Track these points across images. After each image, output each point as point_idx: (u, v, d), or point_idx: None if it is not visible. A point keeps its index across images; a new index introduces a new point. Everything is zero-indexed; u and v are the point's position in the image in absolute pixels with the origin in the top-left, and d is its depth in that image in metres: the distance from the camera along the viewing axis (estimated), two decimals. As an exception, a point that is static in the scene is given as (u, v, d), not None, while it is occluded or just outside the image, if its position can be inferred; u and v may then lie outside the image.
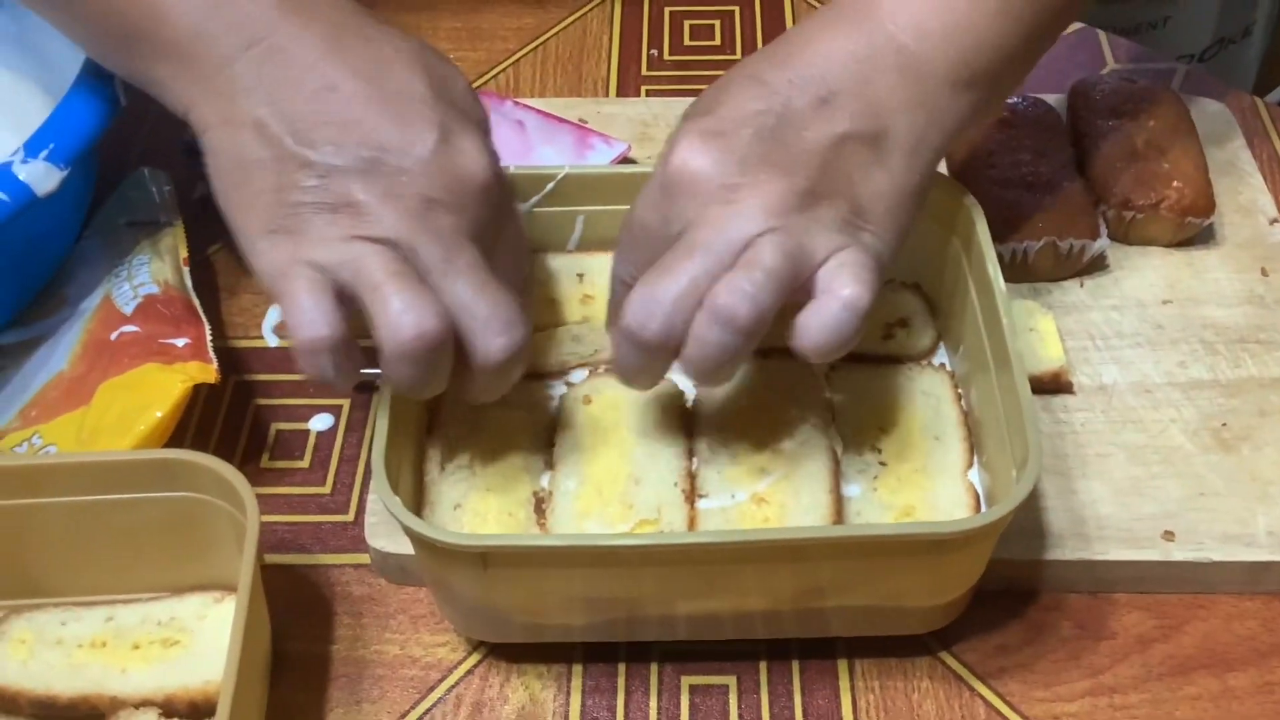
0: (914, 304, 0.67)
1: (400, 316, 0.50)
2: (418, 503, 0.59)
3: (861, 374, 0.64)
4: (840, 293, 0.52)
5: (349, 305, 0.52)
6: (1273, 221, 0.76)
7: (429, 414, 0.62)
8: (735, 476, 0.60)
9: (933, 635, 0.60)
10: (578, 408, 0.63)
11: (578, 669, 0.60)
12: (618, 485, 0.59)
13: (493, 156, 0.55)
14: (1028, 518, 0.62)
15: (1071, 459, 0.64)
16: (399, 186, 0.52)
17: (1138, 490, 0.63)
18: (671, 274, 0.52)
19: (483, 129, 0.57)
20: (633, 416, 0.62)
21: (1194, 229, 0.73)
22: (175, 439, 0.63)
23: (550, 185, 0.66)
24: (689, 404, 0.64)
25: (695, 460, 0.61)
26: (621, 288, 0.57)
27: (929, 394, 0.63)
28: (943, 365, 0.65)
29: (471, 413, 0.62)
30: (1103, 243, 0.71)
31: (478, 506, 0.59)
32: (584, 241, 0.68)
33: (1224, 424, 0.66)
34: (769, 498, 0.59)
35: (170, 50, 0.55)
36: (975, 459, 0.61)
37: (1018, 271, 0.72)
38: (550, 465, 0.61)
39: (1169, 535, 0.61)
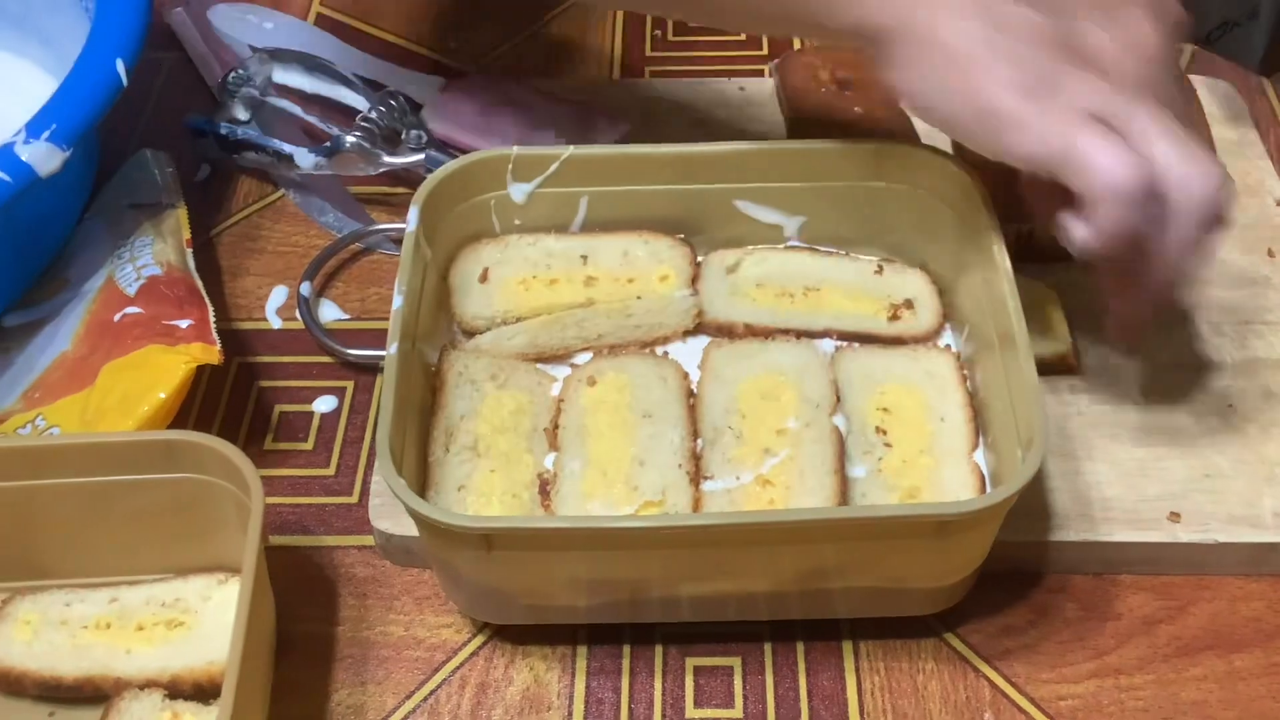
0: (920, 285, 0.67)
1: (1185, 168, 0.53)
2: (422, 484, 0.59)
3: (867, 355, 0.64)
4: None
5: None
6: (1279, 202, 0.75)
7: (433, 395, 0.62)
8: (740, 458, 0.59)
9: (938, 617, 0.60)
10: (582, 389, 0.63)
11: (582, 650, 0.60)
12: (622, 467, 0.59)
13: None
14: (1033, 499, 0.61)
15: (1077, 440, 0.64)
16: (1133, 25, 0.55)
17: (1143, 471, 0.63)
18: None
19: None
20: (637, 398, 0.62)
21: (1201, 210, 0.73)
22: (178, 421, 0.63)
23: (554, 166, 0.65)
24: (693, 385, 0.63)
25: (700, 442, 0.61)
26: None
27: (934, 375, 0.63)
28: (948, 346, 0.65)
29: (475, 395, 0.62)
30: (1109, 223, 0.71)
31: (482, 488, 0.59)
32: (588, 223, 0.68)
33: (1230, 405, 0.66)
34: (774, 479, 0.59)
35: None
36: (981, 440, 0.61)
37: (1024, 251, 0.71)
38: (554, 447, 0.61)
39: (1175, 516, 0.61)
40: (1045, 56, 0.54)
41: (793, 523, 0.53)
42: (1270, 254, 0.73)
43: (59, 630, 0.58)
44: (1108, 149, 0.52)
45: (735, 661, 0.59)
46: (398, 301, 0.59)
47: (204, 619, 0.59)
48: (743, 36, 0.90)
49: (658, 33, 0.90)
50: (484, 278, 0.66)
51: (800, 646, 0.60)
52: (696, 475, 0.59)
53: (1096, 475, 0.63)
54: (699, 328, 0.66)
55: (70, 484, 0.57)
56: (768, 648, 0.60)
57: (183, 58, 0.88)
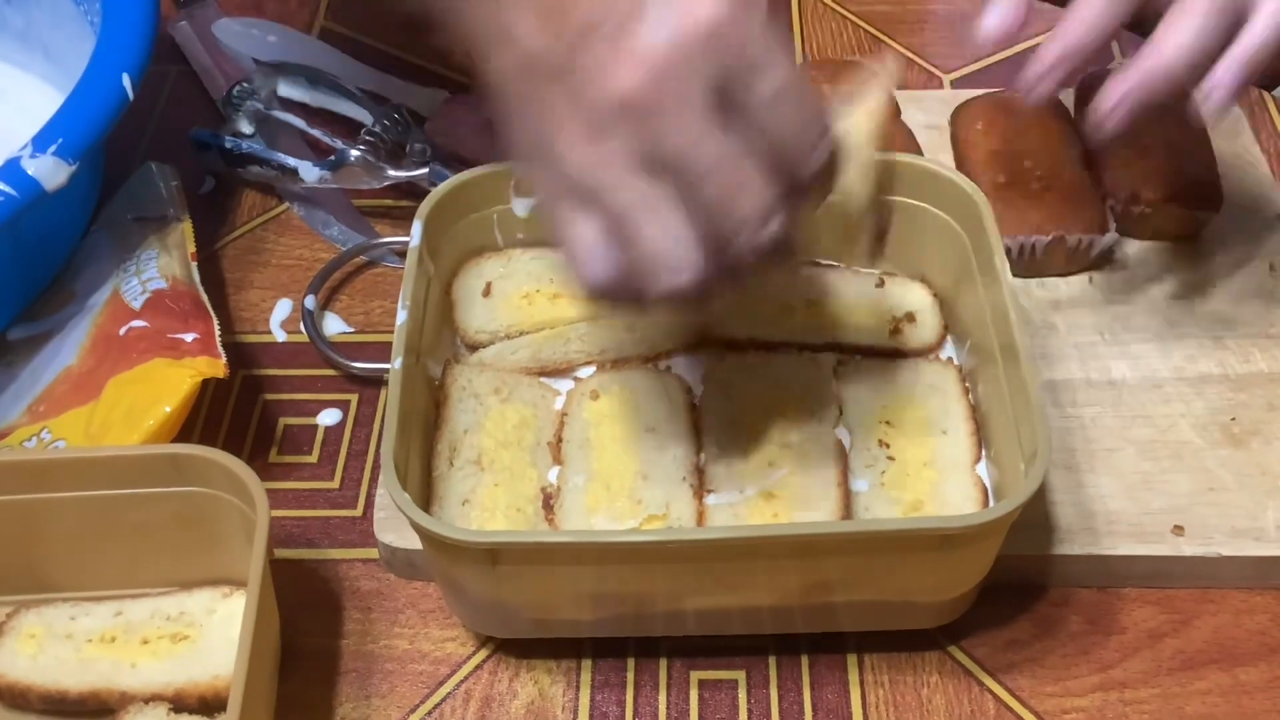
0: (922, 298, 0.67)
1: (651, 268, 0.46)
2: (426, 498, 0.59)
3: (869, 368, 0.64)
4: None
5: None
6: (1281, 216, 0.76)
7: (436, 410, 0.62)
8: (743, 472, 0.60)
9: (942, 630, 0.60)
10: (585, 403, 0.63)
11: (587, 664, 0.60)
12: (626, 481, 0.59)
13: None
14: (1037, 512, 0.62)
15: (1080, 454, 0.64)
16: (618, 66, 0.44)
17: (1147, 485, 0.63)
18: None
19: None
20: (640, 412, 0.62)
21: (1202, 223, 0.73)
22: (183, 434, 0.63)
23: None
24: (696, 399, 0.63)
25: (703, 456, 0.61)
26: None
27: (936, 388, 0.63)
28: (950, 359, 0.65)
29: (479, 408, 0.62)
30: (1111, 237, 0.71)
31: (486, 502, 0.59)
32: None
33: (1233, 418, 0.66)
34: (777, 493, 0.59)
35: None
36: (983, 453, 0.61)
37: (1027, 266, 0.72)
38: (558, 461, 0.61)
39: (1178, 530, 0.61)
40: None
41: (797, 536, 0.53)
42: (1272, 268, 0.73)
43: (64, 644, 0.58)
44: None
45: (740, 675, 0.59)
46: (401, 316, 0.59)
47: (209, 632, 0.59)
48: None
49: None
50: (487, 292, 0.67)
51: (805, 660, 0.60)
52: (700, 489, 0.60)
53: (1100, 488, 0.63)
54: (701, 342, 0.66)
55: (75, 497, 0.57)
56: (772, 661, 0.60)
57: (187, 71, 0.89)
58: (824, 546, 0.53)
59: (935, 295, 0.67)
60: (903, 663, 0.59)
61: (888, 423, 0.62)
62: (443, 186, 0.64)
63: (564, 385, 0.65)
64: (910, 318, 0.66)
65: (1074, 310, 0.71)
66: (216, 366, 0.63)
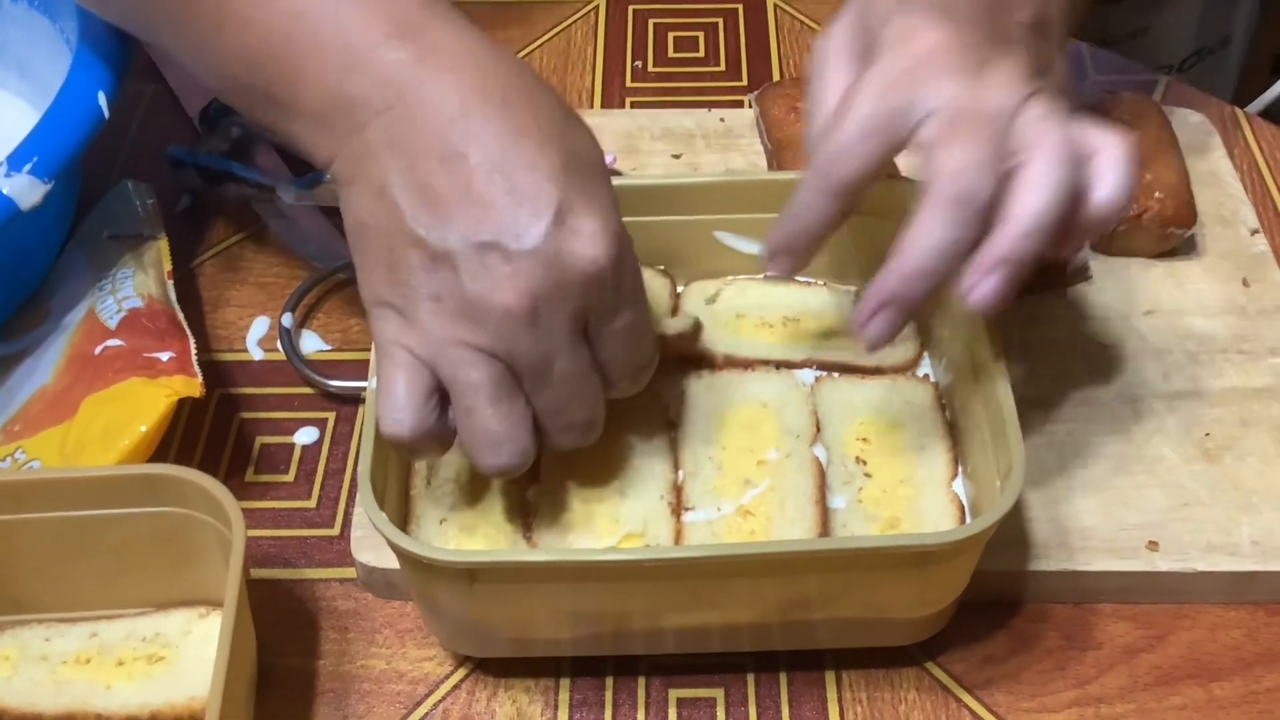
0: None
1: (482, 445, 0.52)
2: (403, 517, 0.59)
3: (846, 385, 0.65)
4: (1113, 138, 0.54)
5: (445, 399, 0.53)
6: (1254, 232, 0.76)
7: None
8: (721, 489, 0.60)
9: (919, 646, 0.60)
10: None
11: (565, 683, 0.60)
12: (604, 498, 0.59)
13: (613, 236, 0.51)
14: (1013, 529, 0.62)
15: (1056, 470, 0.65)
16: (505, 280, 0.50)
17: (1122, 501, 0.63)
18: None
19: (606, 196, 0.53)
20: (618, 429, 0.62)
21: (1176, 240, 0.74)
22: (159, 453, 0.63)
23: None
24: (673, 417, 0.64)
25: (681, 473, 0.61)
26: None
27: (913, 404, 0.64)
28: (926, 376, 0.66)
29: None
30: (1085, 254, 0.72)
31: (464, 520, 0.59)
32: None
33: (1207, 434, 0.66)
34: (755, 510, 0.59)
35: (307, 113, 0.53)
36: (960, 469, 0.61)
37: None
38: (536, 479, 0.61)
39: (1153, 545, 0.61)
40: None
41: (775, 554, 0.53)
42: (1245, 283, 0.73)
43: (39, 666, 0.58)
44: None
45: (718, 693, 0.59)
46: None
47: (184, 654, 0.58)
48: (722, 67, 0.91)
49: (638, 64, 0.91)
50: None
51: (783, 677, 0.60)
52: (678, 507, 0.60)
53: (1075, 505, 0.63)
54: (681, 359, 0.66)
55: (50, 518, 0.57)
56: (750, 679, 0.60)
57: (163, 88, 0.88)
58: (802, 564, 0.53)
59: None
60: (880, 680, 0.60)
61: (865, 440, 0.62)
62: None
63: None
64: None
65: (1049, 326, 0.71)
66: (193, 386, 0.63)
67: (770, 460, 0.60)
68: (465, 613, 0.56)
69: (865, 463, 0.61)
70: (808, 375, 0.65)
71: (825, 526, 0.58)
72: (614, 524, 0.58)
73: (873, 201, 0.65)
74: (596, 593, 0.55)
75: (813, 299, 0.68)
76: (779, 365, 0.65)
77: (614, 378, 0.54)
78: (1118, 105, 0.77)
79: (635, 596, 0.55)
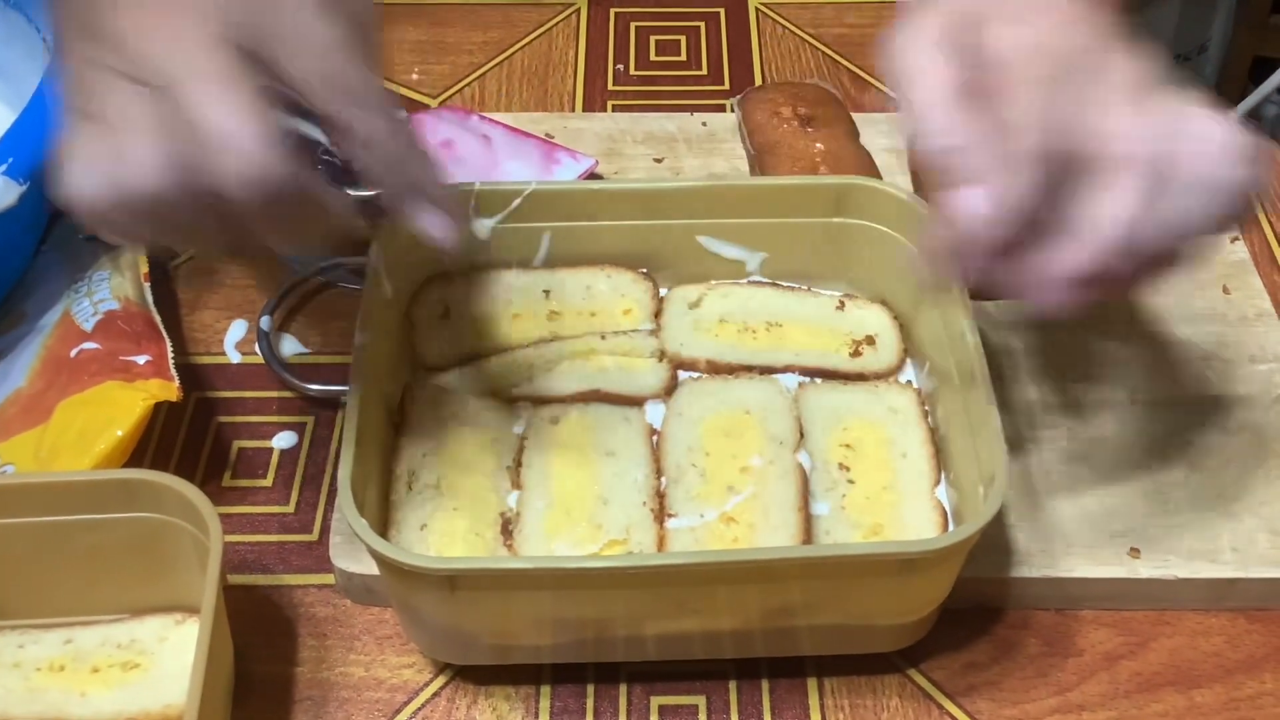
0: (882, 321, 0.67)
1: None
2: (383, 524, 0.58)
3: (829, 391, 0.64)
4: None
5: None
6: (1233, 239, 0.76)
7: (394, 434, 0.61)
8: (704, 495, 0.59)
9: (901, 654, 0.60)
10: (545, 428, 0.62)
11: (546, 690, 0.59)
12: (586, 505, 0.59)
13: None
14: (995, 536, 0.62)
15: (1037, 477, 0.65)
16: None
17: (1104, 508, 0.63)
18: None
19: None
20: (600, 437, 0.62)
21: (1157, 246, 0.74)
22: (135, 457, 0.62)
23: (517, 201, 0.65)
24: (656, 425, 0.63)
25: (663, 480, 0.61)
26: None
27: (896, 410, 0.63)
28: (909, 382, 0.66)
29: (438, 432, 0.61)
30: (1067, 260, 0.72)
31: (444, 527, 0.58)
32: (550, 258, 0.67)
33: (1188, 441, 0.66)
34: (738, 517, 0.59)
35: None
36: (943, 476, 0.61)
37: (981, 288, 0.72)
38: (517, 485, 0.61)
39: (1135, 552, 0.62)
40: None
41: (758, 562, 0.53)
42: (1226, 290, 0.74)
43: (11, 673, 0.57)
44: None
45: (700, 700, 0.59)
46: (360, 339, 0.58)
47: (160, 660, 0.58)
48: (704, 71, 0.90)
49: (619, 67, 0.91)
50: (445, 314, 0.66)
51: (765, 684, 0.60)
52: (660, 513, 0.59)
53: (1057, 512, 0.63)
54: (661, 357, 0.66)
55: (25, 523, 0.56)
56: (733, 686, 0.59)
57: (141, 88, 0.87)
58: (785, 571, 0.53)
59: (895, 318, 0.67)
60: (862, 687, 0.59)
61: (848, 446, 0.62)
62: None
63: (523, 407, 0.64)
64: (870, 340, 0.66)
65: (1031, 333, 0.71)
66: (169, 389, 0.62)
67: (754, 467, 0.60)
68: (446, 620, 0.55)
69: (848, 469, 0.61)
70: (791, 381, 0.65)
71: (809, 533, 0.58)
72: (596, 530, 0.58)
73: (859, 208, 0.65)
74: (579, 600, 0.54)
75: (795, 304, 0.68)
76: (762, 371, 0.65)
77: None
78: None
79: (618, 603, 0.55)
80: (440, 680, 0.60)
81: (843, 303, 0.68)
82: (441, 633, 0.57)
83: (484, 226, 0.66)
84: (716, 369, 0.65)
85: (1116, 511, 0.63)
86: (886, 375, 0.66)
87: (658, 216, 0.66)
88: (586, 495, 0.59)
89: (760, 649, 0.59)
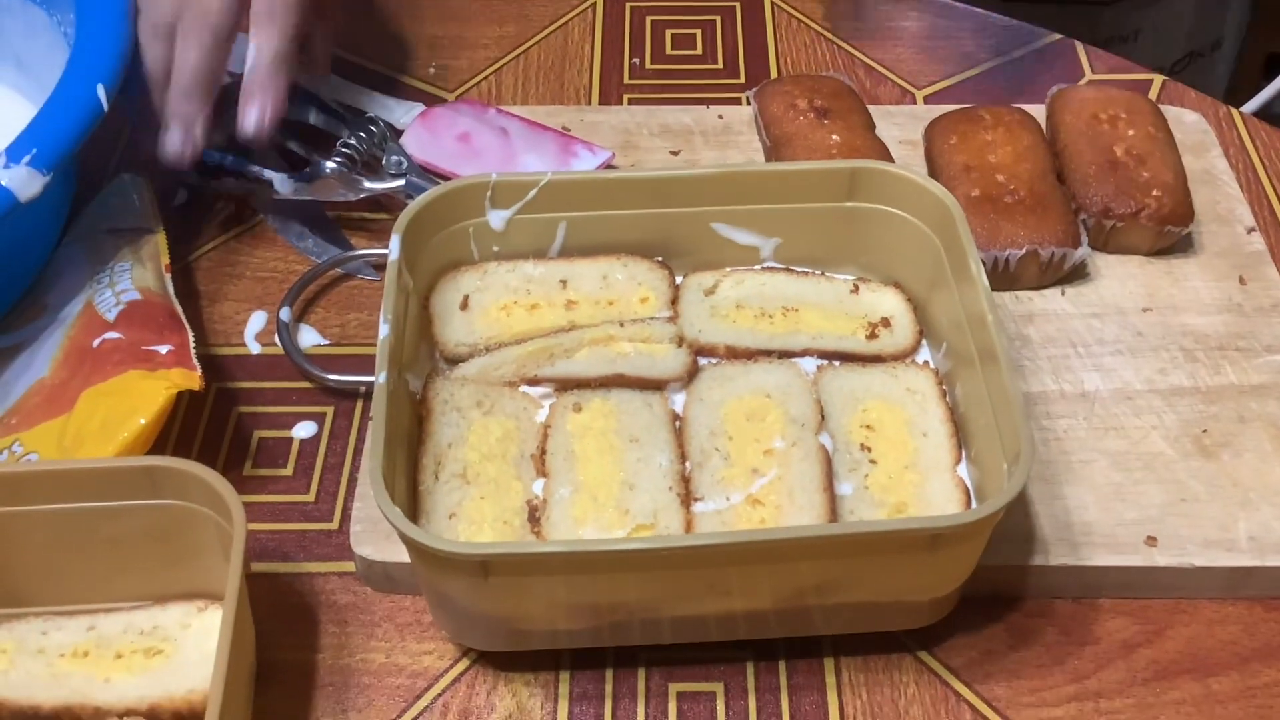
0: (896, 303, 0.67)
1: None
2: (412, 513, 0.59)
3: (847, 373, 0.65)
4: None
5: None
6: (1250, 230, 0.76)
7: (419, 424, 0.62)
8: (729, 478, 0.60)
9: (919, 640, 0.60)
10: (568, 415, 0.63)
11: (565, 676, 0.60)
12: (612, 491, 0.59)
13: None
14: (1014, 523, 0.62)
15: (1055, 465, 0.65)
16: None
17: (1120, 496, 0.64)
18: None
19: None
20: (623, 422, 0.62)
21: (1173, 237, 0.74)
22: (157, 447, 0.63)
23: (533, 192, 0.66)
24: (677, 408, 0.64)
25: (688, 464, 0.61)
26: None
27: (914, 391, 0.64)
28: (926, 362, 0.66)
29: (461, 422, 0.62)
30: (1083, 251, 0.72)
31: (472, 515, 0.59)
32: (566, 247, 0.68)
33: (1204, 430, 0.66)
34: (764, 499, 0.59)
35: None
36: (964, 454, 0.61)
37: (999, 279, 0.72)
38: (542, 473, 0.61)
39: (1152, 541, 0.62)
40: None
41: (791, 540, 0.53)
42: (1242, 281, 0.74)
43: (36, 659, 0.58)
44: None
45: (718, 687, 0.59)
46: (384, 331, 0.59)
47: (183, 647, 0.58)
48: (720, 64, 0.91)
49: (635, 60, 0.91)
50: (464, 305, 0.66)
51: (783, 668, 0.60)
52: (687, 497, 0.60)
53: (1073, 500, 0.63)
54: (680, 343, 0.66)
55: (49, 510, 0.57)
56: (750, 671, 0.60)
57: (160, 83, 0.88)
58: (817, 549, 0.53)
59: (909, 300, 0.68)
60: (880, 673, 0.60)
61: (868, 427, 0.63)
62: (419, 200, 0.64)
63: (546, 397, 0.65)
64: (885, 322, 0.67)
65: (1046, 323, 0.72)
66: (192, 378, 0.63)
67: (777, 449, 0.61)
68: (477, 606, 0.56)
69: (870, 449, 0.62)
70: (809, 364, 0.65)
71: (834, 513, 0.58)
72: (623, 516, 0.58)
73: (871, 191, 0.65)
74: (611, 583, 0.55)
75: (810, 289, 0.68)
76: (780, 355, 0.65)
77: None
78: (1113, 103, 0.78)
79: (650, 586, 0.55)
80: (460, 666, 0.60)
81: (857, 286, 0.68)
82: (472, 619, 0.57)
83: (500, 218, 0.66)
84: (735, 354, 0.65)
85: (1133, 500, 0.63)
86: (903, 357, 0.66)
87: (672, 204, 0.67)
88: (612, 481, 0.60)
89: (783, 628, 0.59)
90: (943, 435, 0.62)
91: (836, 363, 0.65)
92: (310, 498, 0.66)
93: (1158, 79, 0.88)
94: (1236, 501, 0.63)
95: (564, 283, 0.67)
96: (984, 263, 0.70)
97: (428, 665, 0.60)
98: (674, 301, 0.67)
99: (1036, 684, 0.59)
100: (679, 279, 0.68)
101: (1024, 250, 0.71)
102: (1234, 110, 0.86)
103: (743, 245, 0.68)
